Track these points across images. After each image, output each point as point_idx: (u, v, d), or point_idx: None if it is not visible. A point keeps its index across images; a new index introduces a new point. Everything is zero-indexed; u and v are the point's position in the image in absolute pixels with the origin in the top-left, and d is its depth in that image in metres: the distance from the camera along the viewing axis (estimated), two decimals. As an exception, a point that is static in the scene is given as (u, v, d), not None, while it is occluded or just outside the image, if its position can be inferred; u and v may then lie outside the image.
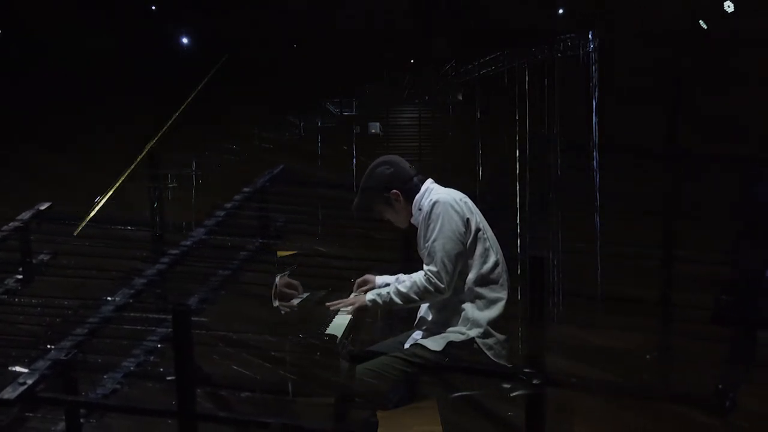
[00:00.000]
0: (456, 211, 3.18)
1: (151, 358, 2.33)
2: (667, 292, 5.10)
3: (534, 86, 6.95)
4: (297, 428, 2.16)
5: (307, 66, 12.55)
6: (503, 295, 3.21)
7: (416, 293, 3.16)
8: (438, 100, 13.72)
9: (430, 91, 13.79)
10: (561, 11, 10.69)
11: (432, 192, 3.30)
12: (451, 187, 3.35)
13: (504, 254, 3.32)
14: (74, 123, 11.45)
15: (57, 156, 9.95)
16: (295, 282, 3.48)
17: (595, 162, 6.54)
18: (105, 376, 2.29)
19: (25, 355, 2.34)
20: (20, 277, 3.11)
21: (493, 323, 3.16)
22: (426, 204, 3.26)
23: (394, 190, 3.33)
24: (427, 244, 3.20)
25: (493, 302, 3.18)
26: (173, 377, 2.07)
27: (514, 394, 2.20)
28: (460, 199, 3.25)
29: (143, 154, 3.59)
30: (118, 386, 2.25)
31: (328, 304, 3.38)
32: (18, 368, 2.22)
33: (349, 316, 3.32)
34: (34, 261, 3.18)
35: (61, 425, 2.30)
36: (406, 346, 3.24)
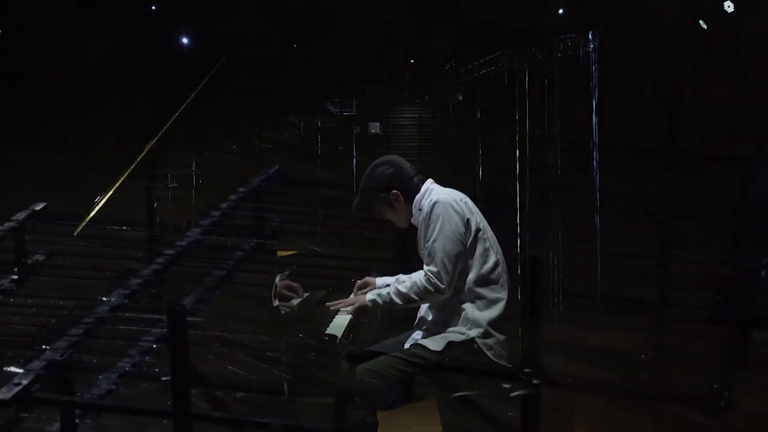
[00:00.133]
0: (456, 211, 3.18)
1: (147, 358, 2.32)
2: (664, 292, 5.09)
3: (534, 86, 6.94)
4: (297, 428, 2.15)
5: (307, 66, 12.54)
6: (503, 295, 3.22)
7: (416, 293, 3.16)
8: (438, 100, 13.74)
9: (430, 91, 13.79)
10: (561, 11, 10.67)
11: (432, 192, 3.30)
12: (451, 187, 3.35)
13: (504, 254, 3.31)
14: (74, 123, 11.43)
15: (57, 156, 9.94)
16: (295, 284, 3.48)
17: (595, 162, 6.53)
18: (100, 377, 2.28)
19: (21, 355, 2.34)
20: (15, 277, 3.11)
21: (494, 323, 3.17)
22: (426, 204, 3.26)
23: (395, 191, 3.34)
24: (427, 245, 3.20)
25: (493, 302, 3.19)
26: (169, 377, 2.06)
27: (514, 394, 2.19)
28: (461, 200, 3.25)
29: (143, 154, 3.59)
30: (113, 386, 2.24)
31: (328, 304, 3.39)
32: (13, 368, 2.22)
33: (349, 316, 3.33)
34: (29, 261, 3.18)
35: (57, 426, 2.28)
36: (406, 346, 3.24)
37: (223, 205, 3.22)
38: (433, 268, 3.14)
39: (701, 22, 8.64)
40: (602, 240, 6.29)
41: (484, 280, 3.19)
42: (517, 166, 6.61)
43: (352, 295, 3.48)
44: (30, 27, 12.44)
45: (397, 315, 3.57)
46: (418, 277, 3.19)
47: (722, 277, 4.26)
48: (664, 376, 4.61)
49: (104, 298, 2.45)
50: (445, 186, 3.37)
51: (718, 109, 7.85)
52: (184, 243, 2.81)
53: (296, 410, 2.73)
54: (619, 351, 4.97)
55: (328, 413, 2.89)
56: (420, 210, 3.30)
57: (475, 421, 3.02)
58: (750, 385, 4.02)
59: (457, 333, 3.16)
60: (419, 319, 3.36)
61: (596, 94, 6.63)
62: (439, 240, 3.15)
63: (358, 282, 3.58)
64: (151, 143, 3.63)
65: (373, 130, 13.21)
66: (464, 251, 3.18)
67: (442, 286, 3.13)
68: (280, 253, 3.48)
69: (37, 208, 3.26)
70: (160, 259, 2.68)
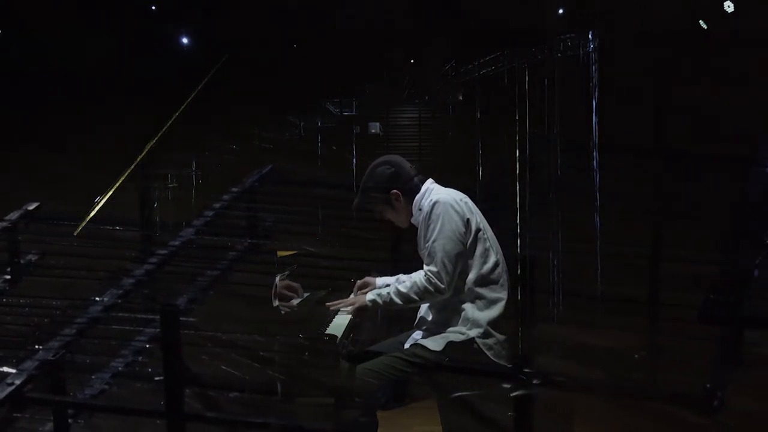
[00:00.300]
0: (456, 211, 3.18)
1: (140, 358, 2.32)
2: (658, 292, 5.08)
3: (534, 86, 6.93)
4: (297, 428, 2.14)
5: (307, 66, 12.54)
6: (503, 295, 3.21)
7: (416, 293, 3.16)
8: (438, 100, 13.73)
9: (430, 91, 13.79)
10: (561, 11, 10.66)
11: (432, 192, 3.30)
12: (451, 187, 3.34)
13: (504, 254, 3.31)
14: (74, 123, 11.44)
15: (56, 156, 9.94)
16: (295, 285, 3.48)
17: (595, 162, 6.52)
18: (93, 377, 2.27)
19: (13, 355, 2.33)
20: (8, 277, 3.10)
21: (494, 323, 3.16)
22: (426, 204, 3.26)
23: (395, 190, 3.33)
24: (427, 245, 3.20)
25: (493, 302, 3.18)
26: (161, 377, 2.05)
27: (514, 394, 2.18)
28: (461, 200, 3.25)
29: (143, 154, 3.58)
30: (106, 386, 2.24)
31: (328, 304, 3.39)
32: (6, 368, 2.21)
33: (349, 316, 3.33)
34: (22, 261, 3.17)
35: (49, 425, 2.28)
36: (406, 346, 3.23)
37: (217, 205, 3.21)
38: (433, 268, 3.13)
39: (701, 22, 8.63)
40: (602, 240, 6.28)
41: (484, 280, 3.18)
42: (517, 166, 6.60)
43: (352, 295, 3.48)
44: (30, 27, 12.44)
45: (393, 315, 3.56)
46: (418, 277, 3.19)
47: (715, 277, 4.24)
48: (659, 376, 4.59)
49: (97, 298, 2.44)
50: (445, 186, 3.36)
51: (718, 109, 7.84)
52: (177, 243, 2.80)
53: (294, 410, 2.72)
54: (617, 351, 4.96)
55: (328, 413, 2.88)
56: (420, 210, 3.29)
57: (475, 421, 3.01)
58: (743, 385, 4.01)
59: (457, 333, 3.15)
60: (419, 319, 3.36)
61: (596, 94, 6.63)
62: (439, 240, 3.14)
63: (358, 282, 3.58)
64: (151, 143, 3.63)
65: (373, 130, 13.20)
66: (464, 251, 3.17)
67: (442, 286, 3.12)
68: (280, 254, 3.48)
69: (30, 208, 3.25)
70: (153, 259, 2.67)
